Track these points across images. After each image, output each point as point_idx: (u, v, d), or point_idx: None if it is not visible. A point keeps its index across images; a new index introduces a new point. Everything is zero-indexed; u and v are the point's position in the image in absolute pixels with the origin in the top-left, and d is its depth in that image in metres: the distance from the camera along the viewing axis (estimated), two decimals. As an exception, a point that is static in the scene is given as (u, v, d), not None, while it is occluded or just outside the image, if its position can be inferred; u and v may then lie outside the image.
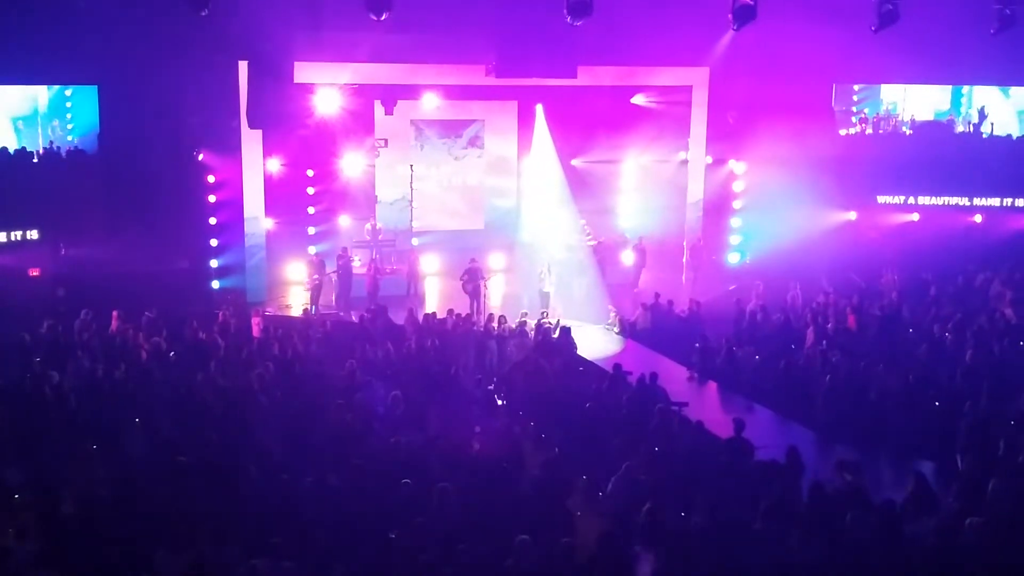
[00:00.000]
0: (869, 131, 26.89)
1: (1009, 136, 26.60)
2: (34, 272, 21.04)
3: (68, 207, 21.28)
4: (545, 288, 21.28)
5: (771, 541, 9.38)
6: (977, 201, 26.44)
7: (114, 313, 17.62)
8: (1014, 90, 26.43)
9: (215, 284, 21.71)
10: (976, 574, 8.72)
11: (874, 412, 14.46)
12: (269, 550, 8.90)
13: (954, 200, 26.44)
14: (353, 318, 19.97)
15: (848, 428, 14.26)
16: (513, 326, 18.36)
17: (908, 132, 27.00)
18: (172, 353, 16.41)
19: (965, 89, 26.60)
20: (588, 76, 21.93)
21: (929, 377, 15.37)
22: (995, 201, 26.40)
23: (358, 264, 23.26)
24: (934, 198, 26.46)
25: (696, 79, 23.84)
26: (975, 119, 26.79)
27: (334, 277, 21.82)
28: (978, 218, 26.30)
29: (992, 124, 26.64)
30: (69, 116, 21.93)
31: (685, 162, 25.12)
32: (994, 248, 24.08)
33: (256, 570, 8.55)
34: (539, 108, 25.18)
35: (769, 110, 22.71)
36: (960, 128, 26.80)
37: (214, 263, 21.83)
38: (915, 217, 26.48)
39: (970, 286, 22.07)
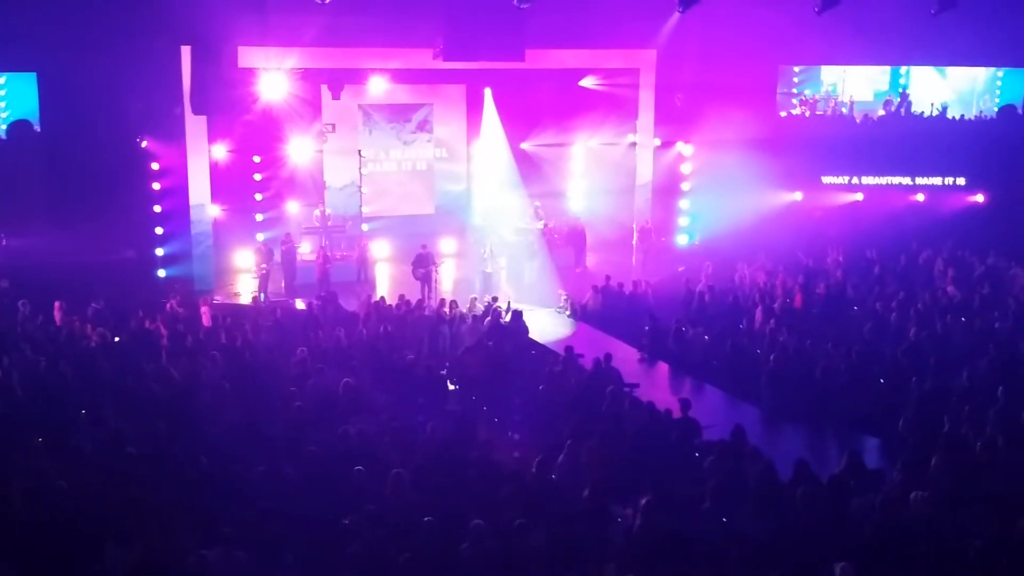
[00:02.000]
0: (807, 113, 27.17)
1: (942, 115, 27.03)
2: (-25, 264, 20.68)
3: (9, 197, 20.87)
4: (487, 269, 21.27)
5: (720, 519, 9.51)
6: (919, 180, 26.94)
7: (56, 304, 17.33)
8: (951, 70, 26.85)
9: (161, 273, 21.39)
10: (921, 547, 8.89)
11: (820, 390, 14.66)
12: (220, 540, 8.84)
13: (897, 179, 26.91)
14: (300, 305, 19.85)
15: (794, 406, 14.50)
16: (464, 311, 18.36)
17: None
18: (117, 339, 16.18)
19: (903, 69, 26.97)
20: (536, 59, 21.86)
21: (874, 354, 15.64)
22: (936, 180, 26.90)
23: (307, 250, 23.11)
24: (877, 177, 26.92)
25: (643, 61, 23.91)
26: (896, 103, 27.16)
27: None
28: (920, 197, 26.78)
29: (911, 105, 27.04)
30: (3, 104, 21.45)
31: (634, 144, 25.23)
32: (936, 226, 24.50)
33: (206, 560, 8.48)
34: (488, 92, 25.15)
35: (716, 92, 22.87)
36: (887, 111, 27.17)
37: (160, 252, 21.49)
38: (859, 197, 26.91)
39: (914, 264, 22.46)
